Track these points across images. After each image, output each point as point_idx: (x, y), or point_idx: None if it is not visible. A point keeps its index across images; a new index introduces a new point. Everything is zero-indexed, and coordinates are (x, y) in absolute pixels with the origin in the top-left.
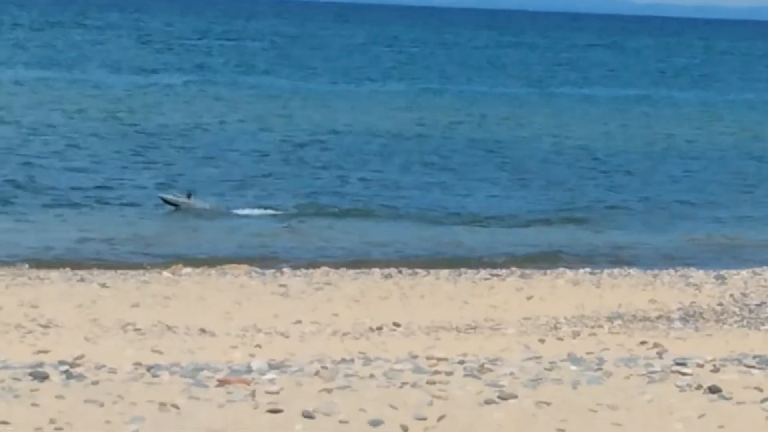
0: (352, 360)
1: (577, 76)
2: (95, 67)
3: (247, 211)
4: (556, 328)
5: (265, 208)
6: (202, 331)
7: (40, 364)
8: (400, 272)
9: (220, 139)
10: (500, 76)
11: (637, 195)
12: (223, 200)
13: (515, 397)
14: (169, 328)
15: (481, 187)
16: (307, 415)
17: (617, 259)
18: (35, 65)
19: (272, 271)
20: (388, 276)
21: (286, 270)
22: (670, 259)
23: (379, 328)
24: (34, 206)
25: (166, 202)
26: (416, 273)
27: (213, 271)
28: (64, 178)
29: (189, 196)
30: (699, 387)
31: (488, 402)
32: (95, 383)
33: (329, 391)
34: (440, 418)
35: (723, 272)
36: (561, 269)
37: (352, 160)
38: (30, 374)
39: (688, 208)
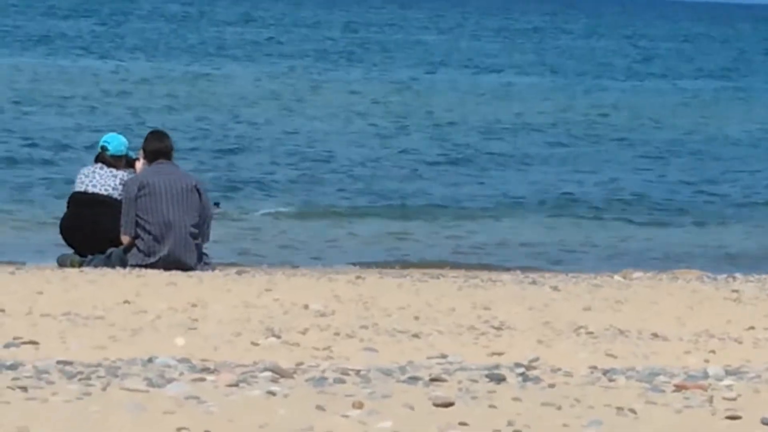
0: None
1: None
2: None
3: None
4: None
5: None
6: (655, 335)
7: (496, 366)
8: None
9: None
10: None
11: None
12: None
13: None
14: (621, 332)
15: None
16: (766, 423)
17: None
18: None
19: (724, 276)
20: None
21: (738, 275)
22: None
23: None
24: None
25: None
26: None
27: (664, 275)
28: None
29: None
30: None
31: None
32: (551, 386)
33: None
34: None
35: None
36: None
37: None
38: (486, 376)
39: None
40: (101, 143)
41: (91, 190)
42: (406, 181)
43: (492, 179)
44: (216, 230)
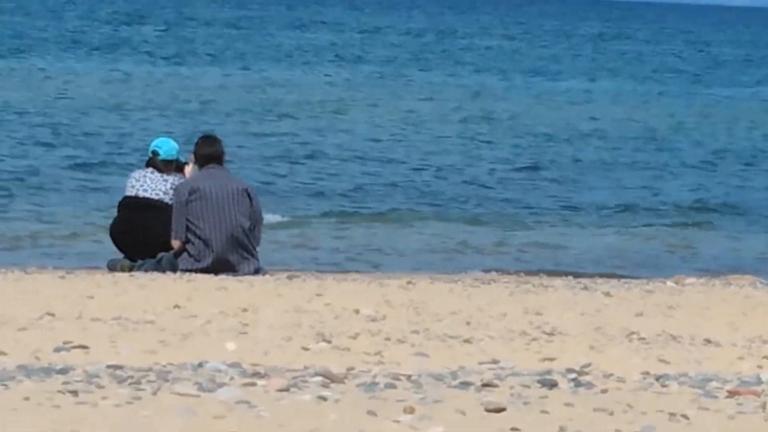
0: None
1: None
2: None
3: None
4: None
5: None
6: (707, 341)
7: (548, 372)
8: None
9: None
10: None
11: None
12: None
13: None
14: (673, 337)
15: None
16: None
17: None
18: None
19: None
20: None
21: None
22: None
23: None
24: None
25: None
26: None
27: (717, 281)
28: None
29: None
30: None
31: None
32: (604, 392)
33: None
34: None
35: None
36: None
37: None
38: (538, 381)
39: None
40: (152, 147)
41: (141, 194)
42: (474, 188)
43: (564, 185)
44: (268, 234)
